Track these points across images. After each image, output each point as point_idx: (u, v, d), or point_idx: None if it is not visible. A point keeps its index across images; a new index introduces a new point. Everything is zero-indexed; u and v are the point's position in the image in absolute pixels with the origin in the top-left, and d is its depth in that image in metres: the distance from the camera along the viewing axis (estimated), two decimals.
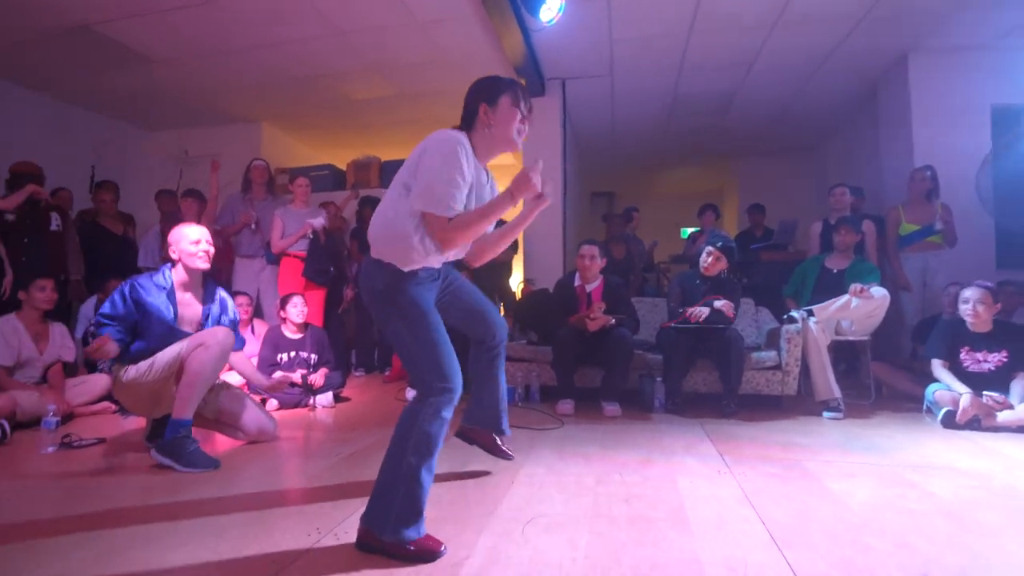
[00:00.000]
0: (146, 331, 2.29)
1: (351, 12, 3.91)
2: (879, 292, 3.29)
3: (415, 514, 1.38)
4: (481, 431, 2.02)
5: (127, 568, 1.31)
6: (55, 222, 3.83)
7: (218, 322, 2.46)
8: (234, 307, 2.60)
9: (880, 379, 3.61)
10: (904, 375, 3.57)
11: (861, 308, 3.25)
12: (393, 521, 1.36)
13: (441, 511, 1.65)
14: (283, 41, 4.29)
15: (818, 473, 2.04)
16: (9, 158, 3.95)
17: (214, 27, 4.06)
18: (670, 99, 5.50)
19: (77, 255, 4.00)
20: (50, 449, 2.37)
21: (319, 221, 3.99)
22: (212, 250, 2.42)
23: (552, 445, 2.45)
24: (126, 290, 2.28)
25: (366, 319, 4.75)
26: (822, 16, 3.94)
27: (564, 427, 2.81)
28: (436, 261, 1.60)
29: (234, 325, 2.52)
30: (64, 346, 3.20)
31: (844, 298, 3.27)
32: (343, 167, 5.78)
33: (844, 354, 4.30)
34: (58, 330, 3.21)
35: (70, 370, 3.31)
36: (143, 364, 2.25)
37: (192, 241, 2.35)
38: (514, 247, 4.86)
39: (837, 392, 3.08)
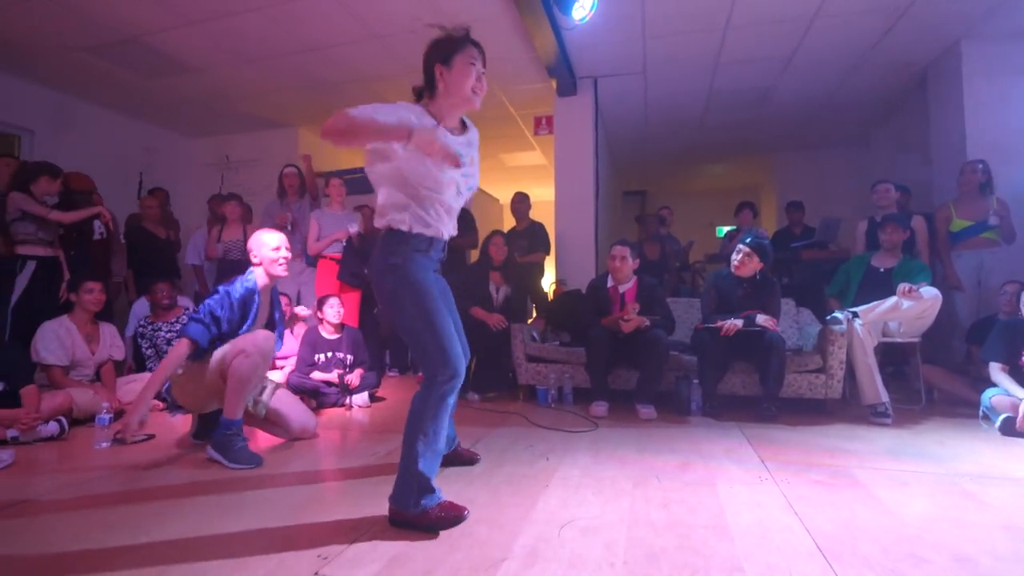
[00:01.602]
0: (234, 333, 2.37)
1: (385, 16, 3.97)
2: (930, 292, 3.14)
3: (428, 487, 1.55)
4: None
5: (173, 561, 1.36)
6: (99, 230, 4.02)
7: (279, 324, 2.58)
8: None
9: (932, 383, 3.44)
10: (958, 379, 3.40)
11: (911, 309, 3.10)
12: (415, 495, 1.53)
13: (476, 513, 1.65)
14: (319, 46, 4.38)
15: (866, 481, 1.96)
16: (66, 165, 4.16)
17: (253, 35, 4.18)
18: (705, 95, 5.38)
19: (121, 258, 4.20)
20: (104, 444, 2.48)
21: (354, 227, 4.06)
22: (290, 256, 2.49)
23: (586, 447, 2.43)
24: (234, 295, 2.35)
25: None
26: (866, 5, 3.79)
27: (598, 429, 2.78)
28: (433, 223, 1.62)
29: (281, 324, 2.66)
30: (114, 345, 3.34)
31: (892, 299, 3.13)
32: None
33: (892, 357, 4.13)
34: (108, 330, 3.35)
35: (119, 368, 3.45)
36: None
37: (273, 248, 2.42)
38: (546, 247, 4.85)
39: (885, 396, 2.95)
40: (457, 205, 1.72)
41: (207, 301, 2.35)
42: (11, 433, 2.48)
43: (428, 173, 1.57)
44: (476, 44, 1.64)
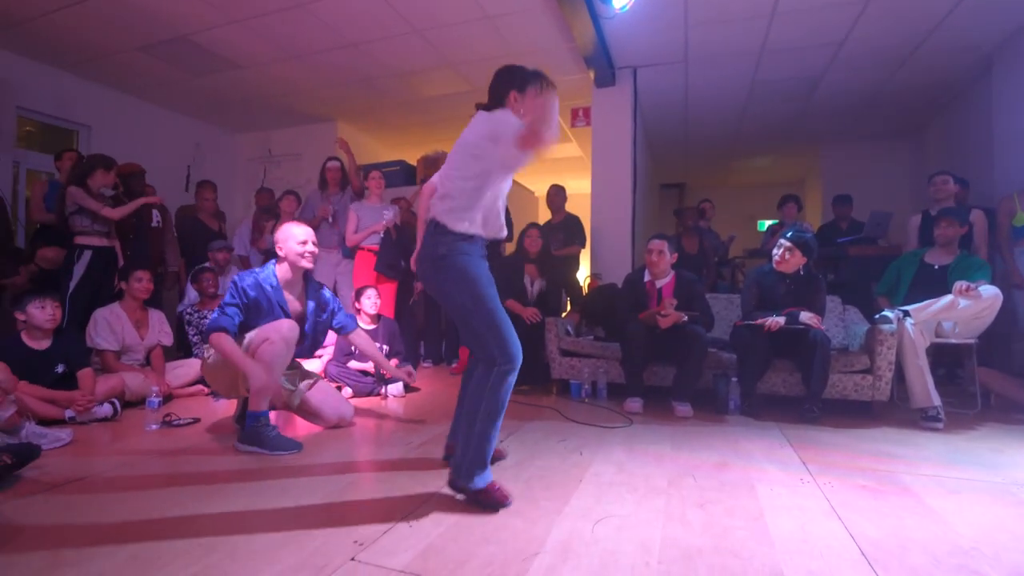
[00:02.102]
0: (253, 324, 2.42)
1: (424, 10, 3.98)
2: (989, 291, 2.97)
3: (482, 464, 1.68)
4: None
5: (219, 539, 1.41)
6: (156, 219, 4.22)
7: (318, 319, 2.59)
8: (334, 298, 2.73)
9: (988, 387, 3.26)
10: (1017, 383, 3.22)
11: (968, 309, 2.94)
12: (467, 468, 1.67)
13: (509, 506, 1.65)
14: (360, 41, 4.43)
15: (916, 488, 1.87)
16: (120, 158, 4.35)
17: (295, 31, 4.26)
18: (748, 85, 5.21)
19: (175, 248, 4.38)
20: (154, 427, 2.59)
21: (391, 219, 4.11)
22: (316, 250, 2.52)
23: (621, 443, 2.40)
24: (241, 284, 2.41)
25: (434, 311, 4.85)
26: None
27: (632, 426, 2.75)
28: (486, 226, 1.78)
29: (342, 314, 2.71)
30: (163, 331, 3.48)
31: (947, 298, 2.97)
32: (414, 163, 5.93)
33: (944, 358, 3.94)
34: (156, 316, 3.49)
35: (168, 353, 3.60)
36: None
37: (300, 241, 2.45)
38: (582, 240, 4.81)
39: (937, 400, 2.81)
40: (501, 207, 1.85)
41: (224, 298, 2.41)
42: (69, 414, 2.62)
43: (500, 176, 1.74)
44: (548, 79, 1.81)
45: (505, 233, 1.89)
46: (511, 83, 1.77)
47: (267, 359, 2.29)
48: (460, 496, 1.70)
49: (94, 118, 5.17)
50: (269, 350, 2.30)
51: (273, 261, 2.52)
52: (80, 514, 1.59)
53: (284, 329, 2.35)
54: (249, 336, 2.37)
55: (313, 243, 2.49)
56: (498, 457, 2.14)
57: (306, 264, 2.48)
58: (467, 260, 1.74)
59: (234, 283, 2.42)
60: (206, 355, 2.48)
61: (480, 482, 1.66)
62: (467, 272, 1.73)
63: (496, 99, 1.79)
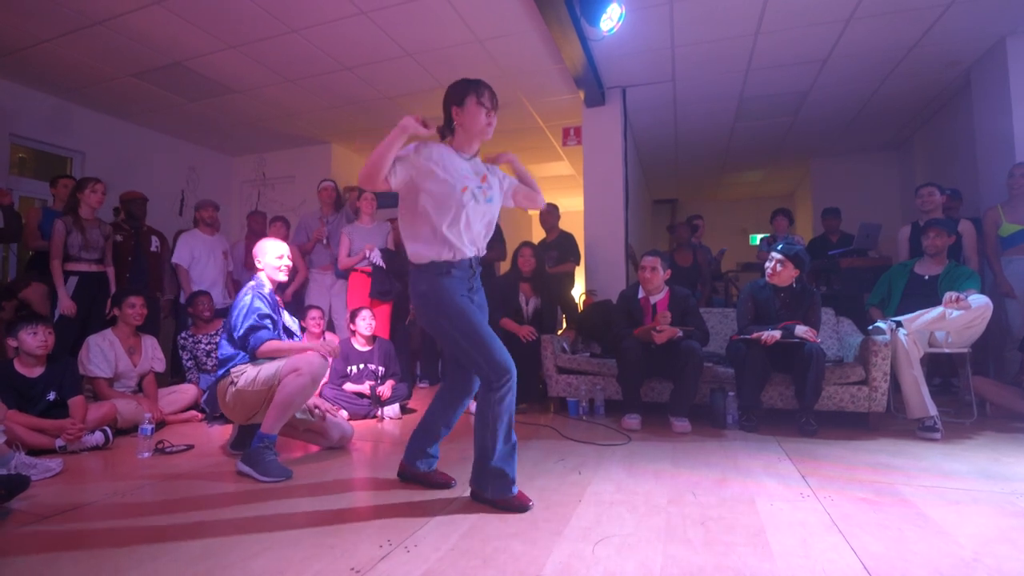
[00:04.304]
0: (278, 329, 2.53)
1: (416, 34, 4.04)
2: (979, 300, 2.99)
3: (506, 480, 1.80)
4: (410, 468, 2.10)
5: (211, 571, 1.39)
6: (155, 244, 4.23)
7: (287, 328, 2.63)
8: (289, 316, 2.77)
9: (983, 396, 3.27)
10: (1013, 391, 3.23)
11: (959, 318, 2.96)
12: (492, 484, 1.80)
13: (508, 526, 1.64)
14: (354, 65, 4.49)
15: (915, 499, 1.87)
16: (114, 184, 4.38)
17: (289, 56, 4.31)
18: (736, 102, 5.30)
19: (171, 276, 4.37)
20: (146, 454, 2.56)
21: (375, 255, 4.08)
22: (291, 264, 2.64)
23: (620, 461, 2.39)
24: (258, 294, 2.49)
25: None
26: (906, 3, 3.66)
27: (631, 443, 2.73)
28: (456, 249, 1.85)
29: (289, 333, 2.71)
30: (155, 357, 3.45)
31: (938, 310, 2.98)
32: None
33: (939, 368, 3.96)
34: (149, 342, 3.46)
35: (161, 379, 3.56)
36: (250, 373, 2.38)
37: (276, 256, 2.57)
38: (576, 257, 4.83)
39: (933, 410, 2.81)
40: (479, 221, 1.91)
41: (246, 310, 2.43)
42: (59, 443, 2.58)
43: (441, 203, 1.82)
44: (486, 86, 1.90)
45: (482, 248, 1.96)
46: (450, 100, 1.90)
47: (292, 391, 2.27)
48: (461, 514, 1.76)
49: (88, 144, 5.19)
50: (296, 383, 2.28)
51: (255, 276, 2.58)
52: (71, 545, 1.56)
53: (316, 364, 2.34)
54: (276, 364, 2.36)
55: (288, 257, 2.61)
56: (444, 484, 2.03)
57: (282, 277, 2.61)
58: (446, 294, 1.83)
59: (256, 296, 2.47)
60: (229, 383, 2.41)
61: (505, 493, 1.80)
62: (444, 301, 1.82)
63: (446, 120, 1.93)
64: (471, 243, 1.89)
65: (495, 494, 1.80)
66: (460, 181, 1.83)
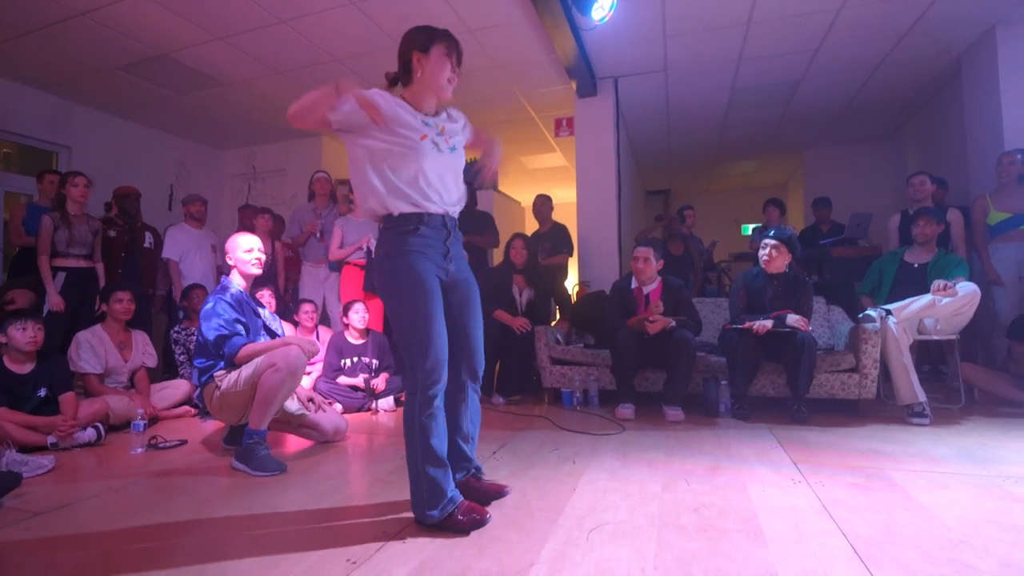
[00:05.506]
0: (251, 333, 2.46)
1: (407, 24, 3.95)
2: (967, 287, 3.03)
3: (439, 493, 1.55)
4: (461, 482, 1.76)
5: (210, 565, 1.39)
6: (148, 240, 4.20)
7: (267, 327, 2.57)
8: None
9: (971, 382, 3.32)
10: (999, 377, 3.27)
11: (948, 306, 2.99)
12: (425, 506, 1.55)
13: (504, 516, 1.64)
14: (344, 56, 4.45)
15: (905, 484, 1.90)
16: (102, 179, 4.33)
17: (279, 48, 4.27)
18: (728, 92, 5.30)
19: (164, 272, 4.34)
20: (139, 450, 2.55)
21: (371, 240, 4.07)
22: (264, 256, 2.55)
23: (614, 450, 2.40)
24: (225, 300, 2.41)
25: None
26: None
27: (625, 432, 2.75)
28: (421, 204, 1.61)
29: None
30: (146, 353, 3.42)
31: (927, 297, 3.02)
32: None
33: (928, 355, 4.01)
34: (140, 338, 3.43)
35: (153, 375, 3.54)
36: (231, 376, 2.35)
37: (246, 249, 2.49)
38: (569, 248, 4.84)
39: (922, 396, 2.85)
40: (448, 172, 1.68)
41: (213, 319, 2.36)
42: (51, 440, 2.56)
43: (398, 153, 1.60)
44: (456, 41, 1.70)
45: (460, 203, 1.73)
46: (413, 44, 1.69)
47: (272, 386, 2.25)
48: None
49: (74, 138, 5.12)
50: (275, 377, 2.25)
51: (225, 277, 2.52)
52: (64, 541, 1.56)
53: (292, 357, 2.30)
54: (256, 362, 2.33)
55: (259, 250, 2.52)
56: (497, 494, 1.80)
57: (255, 271, 2.52)
58: (413, 263, 1.57)
59: (219, 301, 2.39)
60: (214, 388, 2.38)
61: (436, 514, 1.53)
62: (405, 271, 1.57)
63: (404, 65, 1.72)
64: (439, 199, 1.63)
65: (431, 513, 1.53)
66: (417, 131, 1.62)
